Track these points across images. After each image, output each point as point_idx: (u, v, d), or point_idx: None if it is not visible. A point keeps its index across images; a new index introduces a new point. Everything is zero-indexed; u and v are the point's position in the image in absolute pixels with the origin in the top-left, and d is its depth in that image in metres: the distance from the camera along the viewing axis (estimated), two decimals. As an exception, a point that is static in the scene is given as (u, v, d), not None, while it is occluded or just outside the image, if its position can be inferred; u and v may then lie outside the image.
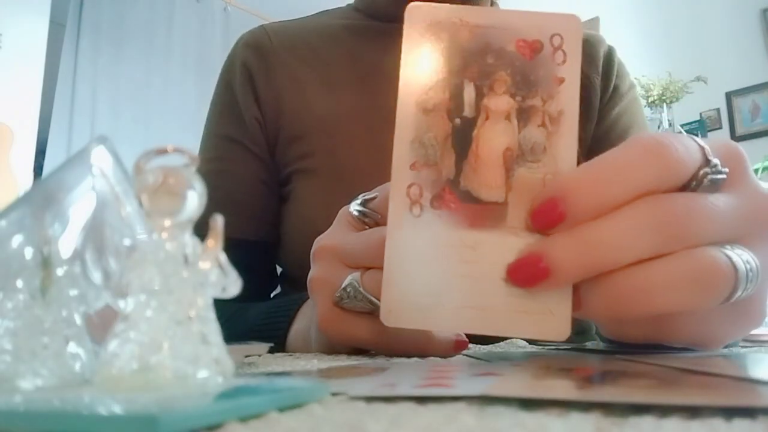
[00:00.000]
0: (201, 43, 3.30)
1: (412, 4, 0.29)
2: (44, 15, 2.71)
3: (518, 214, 0.26)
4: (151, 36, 3.14)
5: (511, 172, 0.27)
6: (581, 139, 0.65)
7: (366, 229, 0.35)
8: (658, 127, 2.60)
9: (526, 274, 0.25)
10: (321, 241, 0.37)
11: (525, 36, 0.28)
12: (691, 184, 0.26)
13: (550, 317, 0.26)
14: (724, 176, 0.27)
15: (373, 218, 0.35)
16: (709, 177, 0.26)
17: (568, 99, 0.27)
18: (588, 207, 0.25)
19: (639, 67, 2.59)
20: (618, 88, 0.67)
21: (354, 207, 0.36)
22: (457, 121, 0.27)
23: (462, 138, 0.27)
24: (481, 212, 0.27)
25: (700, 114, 2.87)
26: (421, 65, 0.28)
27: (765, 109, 2.74)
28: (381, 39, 0.65)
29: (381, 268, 0.33)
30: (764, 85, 2.73)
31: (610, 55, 0.68)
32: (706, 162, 0.27)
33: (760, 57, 2.75)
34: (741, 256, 0.25)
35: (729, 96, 2.81)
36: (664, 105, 2.65)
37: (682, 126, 2.72)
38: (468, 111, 0.28)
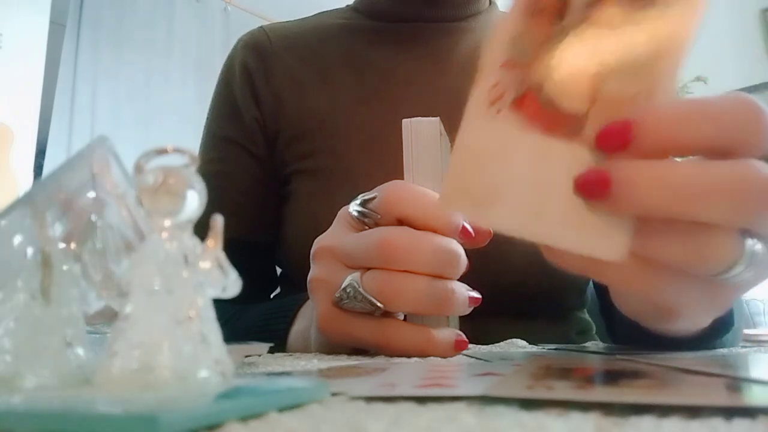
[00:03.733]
0: (201, 43, 3.30)
1: None
2: (44, 15, 2.71)
3: (596, 128, 0.25)
4: (151, 36, 3.14)
5: (601, 85, 0.25)
6: None
7: (366, 229, 0.35)
8: (658, 127, 2.61)
9: (589, 188, 0.24)
10: (321, 242, 0.37)
11: None
12: None
13: (606, 236, 0.24)
14: None
15: (372, 218, 0.35)
16: None
17: (686, 17, 0.25)
18: (658, 143, 0.23)
19: (639, 67, 2.59)
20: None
21: (353, 207, 0.36)
22: (558, 26, 0.26)
23: (559, 44, 0.26)
24: (560, 121, 0.26)
25: (700, 114, 2.87)
26: None
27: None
28: (380, 38, 0.65)
29: (381, 269, 0.33)
30: (764, 85, 2.73)
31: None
32: None
33: (760, 57, 2.75)
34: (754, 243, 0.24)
35: (729, 96, 2.81)
36: (664, 105, 2.65)
37: (682, 126, 2.72)
38: (572, 17, 0.26)
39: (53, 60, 2.74)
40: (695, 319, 0.30)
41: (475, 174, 0.26)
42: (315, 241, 0.38)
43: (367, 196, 0.35)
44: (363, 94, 0.63)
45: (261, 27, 0.70)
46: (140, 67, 3.07)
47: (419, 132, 0.37)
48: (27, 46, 2.62)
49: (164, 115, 3.07)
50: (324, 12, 0.73)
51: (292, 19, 0.73)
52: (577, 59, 0.26)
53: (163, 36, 3.18)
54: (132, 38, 3.07)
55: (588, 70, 0.26)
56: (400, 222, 0.34)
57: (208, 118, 0.69)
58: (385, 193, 0.34)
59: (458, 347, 0.34)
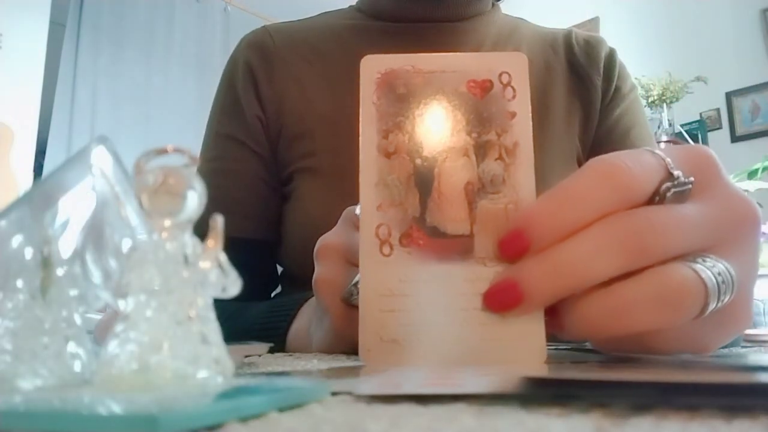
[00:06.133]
0: (201, 43, 3.30)
1: (366, 56, 0.30)
2: (44, 15, 2.71)
3: (484, 244, 0.27)
4: (151, 36, 3.14)
5: (473, 204, 0.28)
6: (583, 141, 0.65)
7: None
8: (659, 127, 2.60)
9: (501, 300, 0.26)
10: (325, 240, 0.37)
11: (475, 76, 0.30)
12: (655, 199, 0.27)
13: (525, 342, 0.26)
14: (688, 187, 0.27)
15: None
16: (672, 191, 0.26)
17: (521, 131, 0.29)
18: (550, 234, 0.26)
19: (639, 67, 2.58)
20: (619, 89, 0.67)
21: (359, 210, 0.36)
22: (418, 161, 0.29)
23: (424, 177, 0.29)
24: (449, 246, 0.28)
25: (700, 114, 2.87)
26: (379, 113, 0.30)
27: (765, 109, 2.74)
28: (384, 38, 0.65)
29: None
30: (764, 85, 2.73)
31: (611, 56, 0.68)
32: (669, 175, 0.27)
33: (760, 57, 2.75)
34: (712, 269, 0.25)
35: (729, 96, 2.81)
36: (664, 105, 2.65)
37: (682, 126, 2.72)
38: (428, 152, 0.29)
39: (53, 60, 2.74)
40: (720, 342, 0.30)
41: (388, 319, 0.27)
42: (319, 239, 0.38)
43: None
44: None
45: (264, 26, 0.70)
46: (140, 67, 3.07)
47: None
48: (27, 46, 2.62)
49: (164, 115, 3.07)
50: (327, 12, 0.73)
51: (292, 19, 0.73)
52: (448, 187, 0.29)
53: (163, 36, 3.19)
54: (132, 38, 3.07)
55: (460, 195, 0.28)
56: None
57: (210, 117, 0.69)
58: None
59: None
